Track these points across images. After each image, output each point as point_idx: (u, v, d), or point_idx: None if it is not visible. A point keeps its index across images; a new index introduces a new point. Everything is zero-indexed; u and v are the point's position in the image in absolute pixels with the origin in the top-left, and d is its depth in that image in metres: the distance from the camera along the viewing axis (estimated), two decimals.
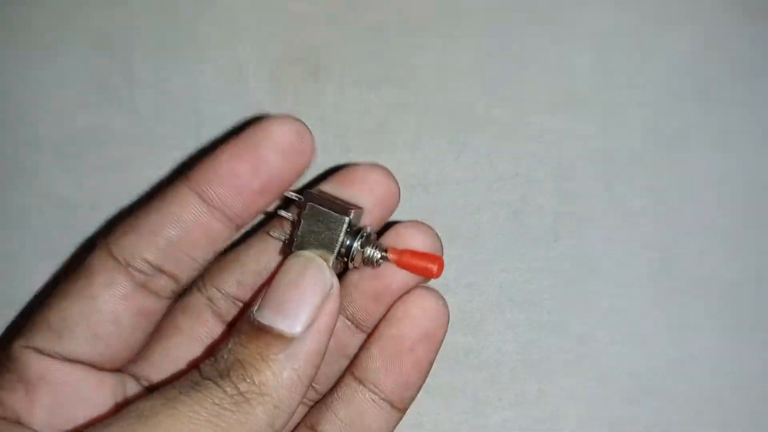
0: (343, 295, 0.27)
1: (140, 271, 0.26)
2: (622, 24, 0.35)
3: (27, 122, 0.33)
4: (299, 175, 0.27)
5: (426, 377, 0.28)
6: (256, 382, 0.23)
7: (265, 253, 0.29)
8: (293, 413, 0.24)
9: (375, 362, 0.28)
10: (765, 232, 0.34)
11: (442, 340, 0.28)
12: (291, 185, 0.27)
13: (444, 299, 0.28)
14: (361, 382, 0.28)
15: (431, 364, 0.28)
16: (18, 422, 0.26)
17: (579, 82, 0.34)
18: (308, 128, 0.26)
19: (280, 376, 0.24)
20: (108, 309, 0.26)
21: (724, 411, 0.33)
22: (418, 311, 0.27)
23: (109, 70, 0.34)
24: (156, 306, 0.27)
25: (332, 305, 0.25)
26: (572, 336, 0.33)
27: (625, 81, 0.34)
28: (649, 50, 0.35)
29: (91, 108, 0.33)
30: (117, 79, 0.34)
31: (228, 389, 0.23)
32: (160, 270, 0.27)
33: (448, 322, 0.28)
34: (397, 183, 0.28)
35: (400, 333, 0.27)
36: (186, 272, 0.27)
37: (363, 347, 0.29)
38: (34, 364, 0.26)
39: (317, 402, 0.30)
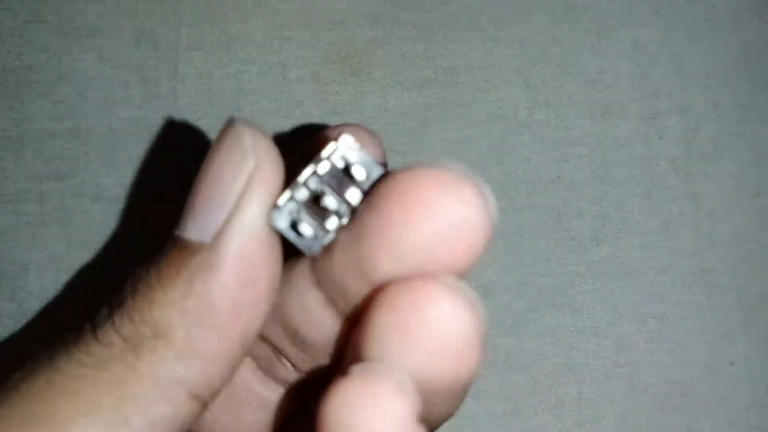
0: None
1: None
2: (661, 33, 0.35)
3: (68, 114, 0.33)
4: None
5: None
6: (148, 320, 0.16)
7: None
8: (224, 371, 0.17)
9: None
10: None
11: None
12: None
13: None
14: None
15: None
16: None
17: (620, 89, 0.35)
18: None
19: (182, 307, 0.16)
20: None
21: (760, 419, 0.33)
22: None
23: (152, 63, 0.33)
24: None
25: (258, 190, 0.17)
26: (611, 341, 0.33)
27: (665, 89, 0.35)
28: (688, 59, 0.35)
29: (133, 101, 0.33)
30: (160, 72, 0.33)
31: (104, 338, 0.16)
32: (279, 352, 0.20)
33: None
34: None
35: None
36: None
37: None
38: None
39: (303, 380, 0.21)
